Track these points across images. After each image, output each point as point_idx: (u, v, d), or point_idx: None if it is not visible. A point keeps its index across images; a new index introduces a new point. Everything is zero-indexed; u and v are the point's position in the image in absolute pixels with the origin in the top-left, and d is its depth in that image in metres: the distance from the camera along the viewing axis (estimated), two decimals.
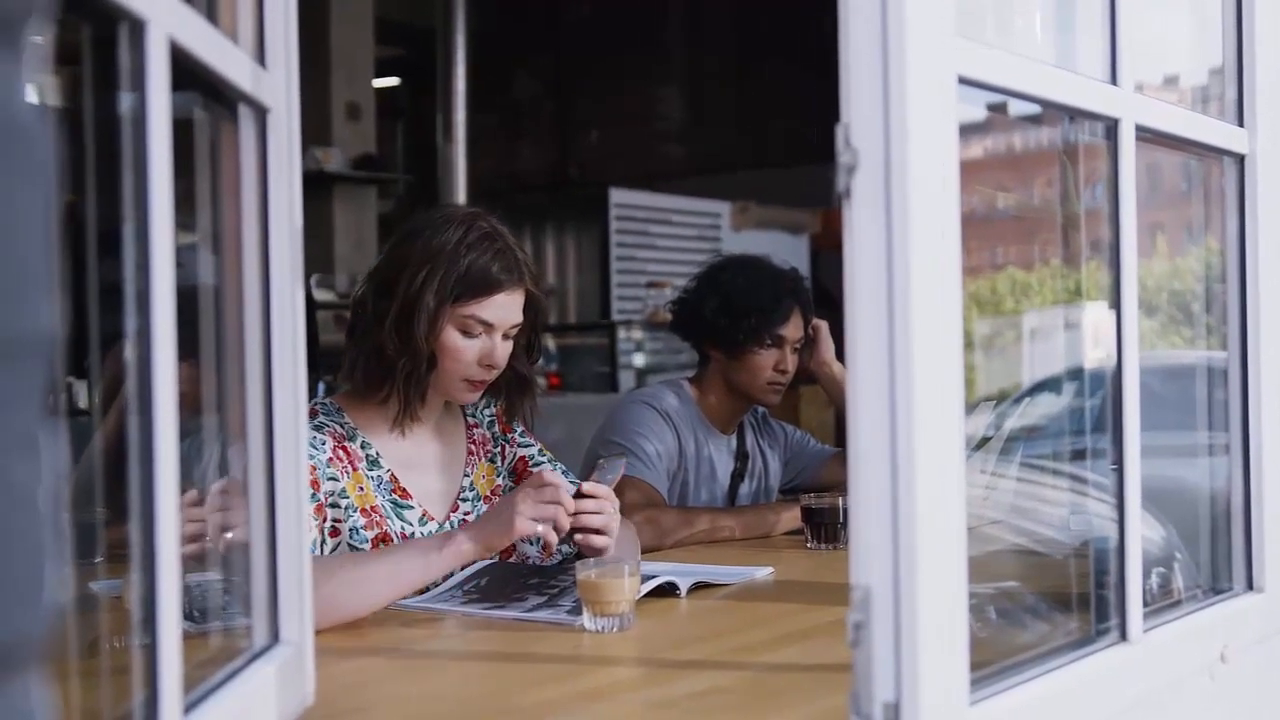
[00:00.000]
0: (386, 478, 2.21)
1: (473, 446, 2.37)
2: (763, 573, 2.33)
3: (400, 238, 2.24)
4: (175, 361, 1.03)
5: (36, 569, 0.53)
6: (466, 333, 2.19)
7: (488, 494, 2.35)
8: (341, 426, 2.20)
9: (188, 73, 1.12)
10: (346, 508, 2.13)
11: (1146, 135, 1.58)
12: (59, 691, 0.61)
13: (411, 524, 2.21)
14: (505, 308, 2.20)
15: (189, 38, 1.09)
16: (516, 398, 2.35)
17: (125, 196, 1.01)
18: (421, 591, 2.08)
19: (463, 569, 2.13)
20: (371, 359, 2.20)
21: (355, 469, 2.18)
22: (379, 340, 2.17)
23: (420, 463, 2.28)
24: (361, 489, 2.17)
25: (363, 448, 2.21)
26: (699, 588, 2.16)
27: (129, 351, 1.01)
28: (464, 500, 2.31)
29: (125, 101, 1.02)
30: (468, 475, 2.34)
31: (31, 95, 0.55)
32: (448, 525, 2.25)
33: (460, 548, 2.03)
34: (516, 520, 2.00)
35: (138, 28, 1.00)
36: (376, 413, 2.24)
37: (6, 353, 0.52)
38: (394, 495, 2.21)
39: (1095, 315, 1.85)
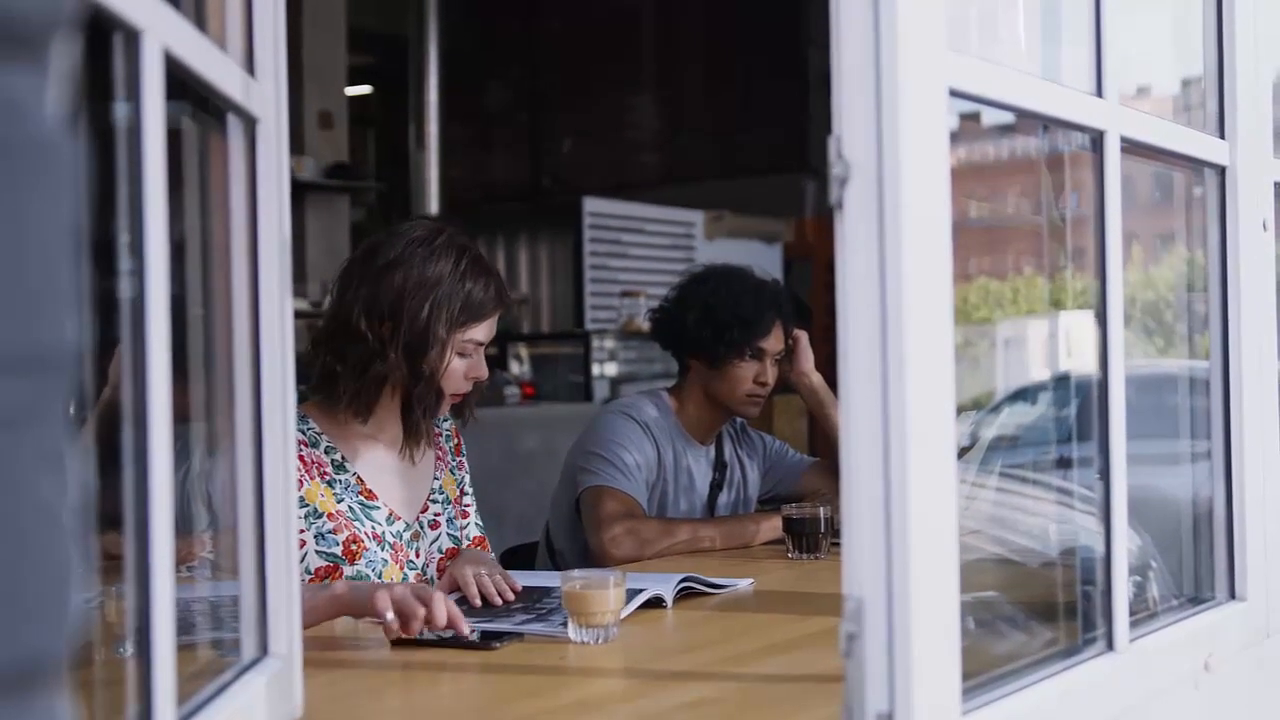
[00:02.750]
0: (353, 480, 2.26)
1: (440, 453, 2.44)
2: (745, 584, 2.33)
3: (384, 264, 2.23)
4: (169, 370, 1.02)
5: (62, 586, 0.53)
6: (463, 354, 2.27)
7: (455, 499, 2.44)
8: (304, 433, 2.22)
9: (178, 82, 1.11)
10: (307, 515, 2.17)
11: (1130, 147, 1.59)
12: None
13: (380, 523, 2.26)
14: (493, 326, 2.31)
15: (183, 47, 1.08)
16: (470, 395, 2.38)
17: (119, 205, 1.01)
18: None
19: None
20: (373, 388, 2.23)
21: (314, 477, 2.22)
22: (384, 371, 2.21)
23: (389, 467, 2.32)
24: (323, 495, 2.21)
25: (327, 453, 2.26)
26: (685, 596, 2.16)
27: (123, 361, 1.01)
28: (434, 501, 2.39)
29: (119, 111, 1.01)
30: (437, 478, 2.41)
31: (56, 110, 0.55)
32: (416, 525, 2.33)
33: (334, 592, 1.91)
34: (378, 597, 1.81)
35: (133, 37, 0.99)
36: (349, 420, 2.28)
37: (33, 367, 0.51)
38: (360, 496, 2.26)
39: (1070, 325, 1.86)
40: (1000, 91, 1.36)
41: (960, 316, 1.92)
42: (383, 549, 2.24)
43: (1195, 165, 1.84)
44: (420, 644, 1.85)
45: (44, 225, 0.53)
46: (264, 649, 1.36)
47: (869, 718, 1.16)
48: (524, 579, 2.23)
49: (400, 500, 2.32)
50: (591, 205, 8.10)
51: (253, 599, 1.36)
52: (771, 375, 3.01)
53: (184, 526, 1.53)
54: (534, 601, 2.11)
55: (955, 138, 1.52)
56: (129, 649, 1.14)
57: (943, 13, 1.21)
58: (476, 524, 2.49)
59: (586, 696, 1.62)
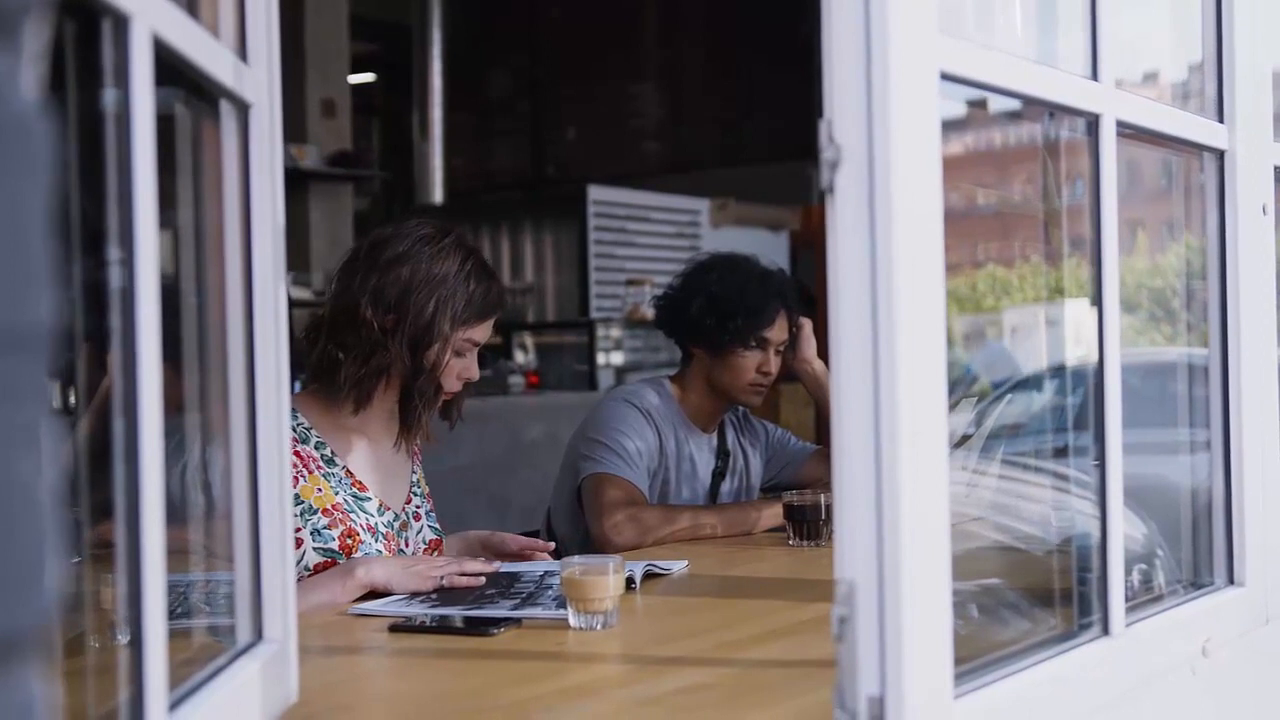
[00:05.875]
0: (343, 474, 2.29)
1: (416, 450, 2.47)
2: (679, 565, 2.36)
3: (391, 258, 2.27)
4: (159, 359, 1.03)
5: (38, 562, 0.53)
6: (458, 353, 2.31)
7: (427, 493, 2.49)
8: (294, 430, 2.23)
9: (169, 68, 1.11)
10: (303, 512, 2.20)
11: (1127, 131, 1.58)
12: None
13: (371, 514, 2.30)
14: (490, 328, 2.36)
15: (172, 33, 1.08)
16: (459, 397, 2.41)
17: (108, 193, 1.01)
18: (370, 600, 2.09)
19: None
20: (374, 377, 2.26)
21: (311, 471, 2.25)
22: (386, 361, 2.25)
23: (373, 460, 2.36)
24: (320, 490, 2.24)
25: (316, 448, 2.28)
26: (648, 577, 2.21)
27: (113, 350, 1.01)
28: (415, 494, 2.43)
29: (108, 97, 1.01)
30: (415, 473, 2.46)
31: (30, 90, 0.55)
32: (403, 515, 2.37)
33: (364, 579, 2.09)
34: (426, 578, 2.10)
35: (121, 23, 0.99)
36: (337, 412, 2.31)
37: (9, 345, 0.52)
38: (353, 489, 2.29)
39: (1076, 312, 1.86)
40: (993, 75, 1.35)
41: (969, 304, 1.92)
42: (376, 540, 2.27)
43: (1194, 150, 1.83)
44: (417, 630, 1.86)
45: (17, 205, 0.53)
46: (259, 634, 1.36)
47: (860, 701, 1.16)
48: (505, 566, 2.28)
49: (387, 492, 2.36)
50: (596, 193, 8.10)
51: (247, 584, 1.36)
52: (774, 365, 3.01)
53: (186, 516, 1.54)
54: (508, 587, 2.11)
55: (962, 124, 1.52)
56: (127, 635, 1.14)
57: None
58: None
59: (582, 682, 1.63)
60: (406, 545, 2.35)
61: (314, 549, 2.20)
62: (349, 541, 2.22)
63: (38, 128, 0.54)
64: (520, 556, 2.40)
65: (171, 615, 1.11)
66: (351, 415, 2.30)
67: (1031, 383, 2.55)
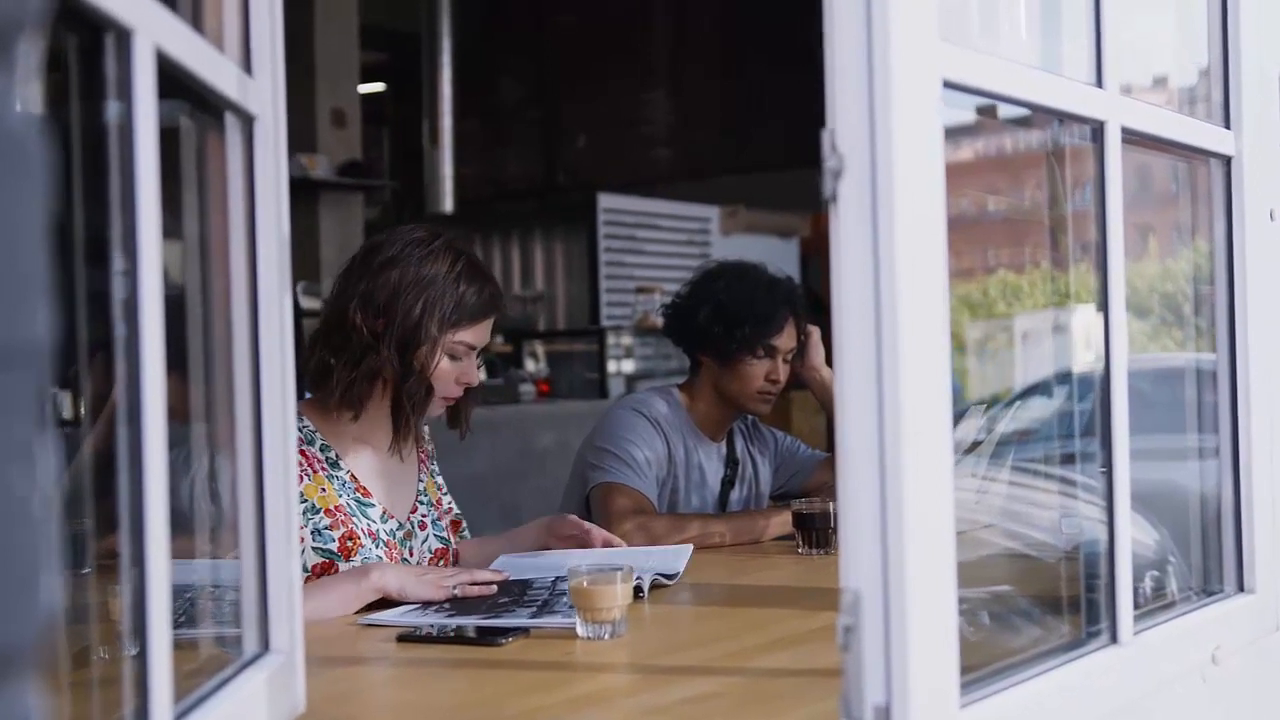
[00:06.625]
0: (348, 478, 2.30)
1: (423, 457, 2.48)
2: (685, 551, 2.39)
3: (382, 262, 2.27)
4: (163, 371, 1.03)
5: (33, 577, 0.53)
6: (453, 356, 2.30)
7: (435, 502, 2.48)
8: (300, 431, 2.24)
9: (173, 81, 1.11)
10: (305, 511, 2.21)
11: (1132, 137, 1.58)
12: (50, 700, 0.61)
13: (374, 521, 2.30)
14: (487, 331, 2.34)
15: (175, 46, 1.09)
16: (465, 405, 2.41)
17: (112, 205, 1.01)
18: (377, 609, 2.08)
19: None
20: (365, 381, 2.26)
21: (316, 471, 2.26)
22: (376, 365, 2.25)
23: (378, 467, 2.36)
24: (324, 490, 2.25)
25: (322, 450, 2.29)
26: (655, 586, 2.20)
27: (117, 362, 1.01)
28: (421, 503, 2.43)
29: (111, 110, 1.02)
30: (421, 481, 2.45)
31: (25, 104, 0.55)
32: (408, 524, 2.38)
33: (377, 584, 2.08)
34: (438, 587, 2.10)
35: (124, 37, 1.00)
36: (339, 420, 2.31)
37: (4, 360, 0.52)
38: (357, 494, 2.30)
39: (1086, 318, 1.86)
40: (996, 83, 1.35)
41: (981, 310, 1.92)
42: (377, 546, 2.27)
43: (1200, 155, 1.83)
44: (425, 640, 1.86)
45: (12, 221, 0.53)
46: (265, 645, 1.37)
47: (866, 710, 1.16)
48: (515, 575, 2.26)
49: (391, 500, 2.36)
50: (606, 201, 8.10)
51: (254, 594, 1.36)
52: (783, 373, 3.01)
53: (194, 528, 1.54)
54: (520, 595, 2.11)
55: (973, 131, 1.52)
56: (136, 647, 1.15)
57: (935, 3, 1.21)
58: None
59: (590, 691, 1.63)
60: (411, 554, 2.35)
61: (313, 548, 2.20)
62: (349, 544, 2.23)
63: (33, 143, 0.55)
64: (585, 543, 2.42)
65: (176, 624, 1.11)
66: (352, 422, 2.30)
67: (1042, 389, 2.54)
